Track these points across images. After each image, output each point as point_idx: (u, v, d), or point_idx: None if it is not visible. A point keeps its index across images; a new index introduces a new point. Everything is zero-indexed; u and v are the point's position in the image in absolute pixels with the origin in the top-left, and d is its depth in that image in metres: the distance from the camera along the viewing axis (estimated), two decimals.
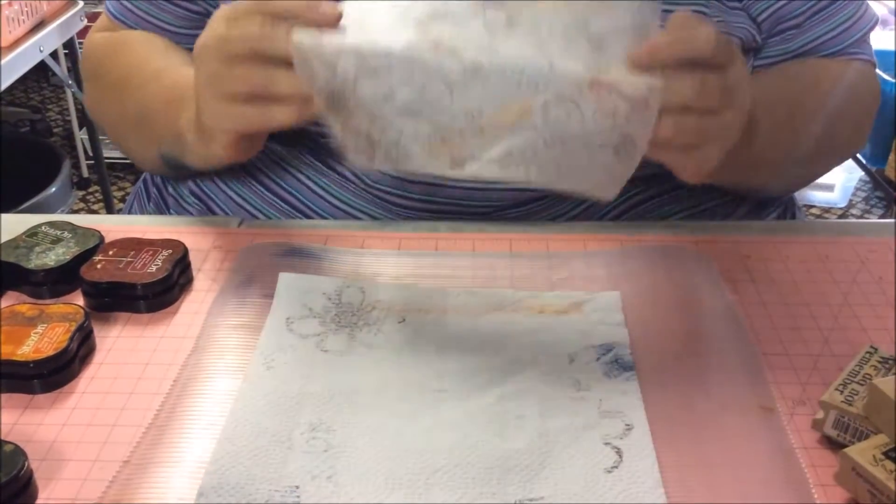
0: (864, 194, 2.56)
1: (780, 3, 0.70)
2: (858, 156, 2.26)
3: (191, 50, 0.73)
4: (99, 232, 0.65)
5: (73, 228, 0.65)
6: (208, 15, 0.70)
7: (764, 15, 0.70)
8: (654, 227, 0.70)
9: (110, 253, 0.61)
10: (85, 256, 0.62)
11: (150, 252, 0.62)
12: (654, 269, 0.63)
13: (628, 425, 0.49)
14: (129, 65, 0.75)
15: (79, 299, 0.60)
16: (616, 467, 0.47)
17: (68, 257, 0.62)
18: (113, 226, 0.68)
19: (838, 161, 0.81)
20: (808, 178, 0.81)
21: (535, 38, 0.52)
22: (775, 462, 0.48)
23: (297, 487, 0.46)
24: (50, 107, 3.07)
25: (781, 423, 0.50)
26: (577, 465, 0.47)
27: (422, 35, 0.51)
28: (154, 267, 0.60)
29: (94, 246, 0.63)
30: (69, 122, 2.62)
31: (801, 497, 0.46)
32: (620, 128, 0.51)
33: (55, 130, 2.89)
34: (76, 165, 2.55)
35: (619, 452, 0.48)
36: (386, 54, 0.51)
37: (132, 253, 0.61)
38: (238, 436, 0.49)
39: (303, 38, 0.53)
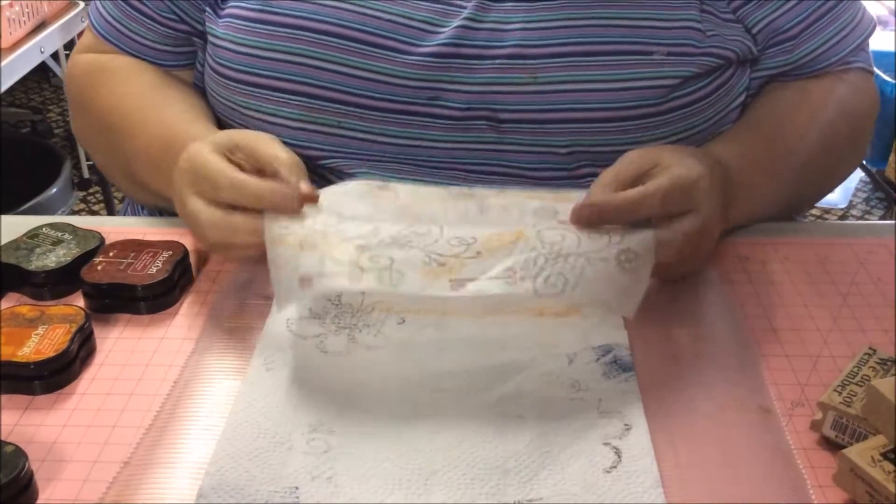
0: (864, 195, 2.56)
1: (775, 15, 0.69)
2: None
3: (175, 67, 0.74)
4: (100, 233, 0.65)
5: (73, 230, 0.65)
6: (195, 34, 0.72)
7: (759, 27, 0.69)
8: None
9: (111, 254, 0.62)
10: (85, 258, 0.62)
11: (151, 253, 0.62)
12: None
13: (627, 425, 0.50)
14: (113, 108, 0.72)
15: (79, 301, 0.60)
16: (615, 467, 0.47)
17: (69, 259, 0.62)
18: (114, 227, 0.68)
19: (845, 175, 0.80)
20: (819, 197, 0.81)
21: (501, 217, 0.57)
22: (774, 463, 0.48)
23: (297, 488, 0.46)
24: (51, 107, 3.07)
25: (780, 424, 0.50)
26: (576, 465, 0.47)
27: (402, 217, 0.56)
28: (154, 268, 0.60)
29: (95, 247, 0.63)
30: (69, 122, 2.62)
31: (800, 498, 0.46)
32: (617, 244, 0.52)
33: (56, 131, 2.89)
34: (77, 166, 2.54)
35: (618, 452, 0.48)
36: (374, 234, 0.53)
37: (132, 254, 0.62)
38: (238, 437, 0.49)
39: (273, 228, 0.54)
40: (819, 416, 0.50)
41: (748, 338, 0.57)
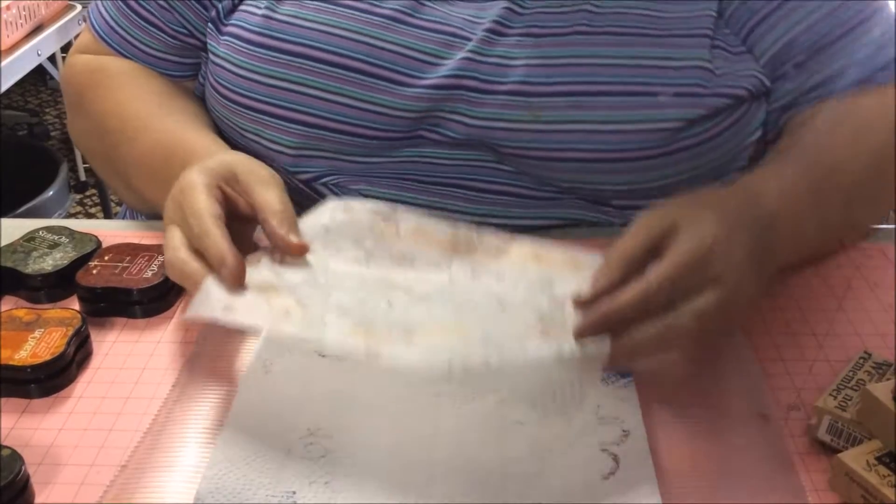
0: None
1: (783, 41, 0.66)
2: None
3: (179, 77, 0.73)
4: (96, 237, 0.65)
5: (70, 233, 0.65)
6: (202, 48, 0.70)
7: (765, 58, 0.67)
8: None
9: (106, 258, 0.62)
10: (82, 261, 0.62)
11: (146, 257, 0.62)
12: None
13: (625, 431, 0.50)
14: (113, 111, 0.71)
15: (76, 304, 0.60)
16: (613, 473, 0.47)
17: (65, 262, 0.62)
18: (110, 231, 0.68)
19: None
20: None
21: (497, 288, 0.54)
22: (772, 469, 0.48)
23: (294, 493, 0.46)
24: (47, 110, 3.06)
25: (779, 430, 0.50)
26: (574, 471, 0.47)
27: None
28: (150, 272, 0.60)
29: (91, 251, 0.63)
30: (66, 125, 2.62)
31: (796, 499, 0.46)
32: (568, 353, 0.50)
33: (52, 134, 2.89)
34: (73, 169, 2.54)
35: (615, 459, 0.48)
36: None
37: (128, 258, 0.62)
38: (235, 441, 0.49)
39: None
40: (814, 420, 0.50)
41: (746, 343, 0.57)
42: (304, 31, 0.65)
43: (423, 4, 0.66)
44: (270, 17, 0.66)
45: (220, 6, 0.69)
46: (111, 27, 0.73)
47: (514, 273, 0.56)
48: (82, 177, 2.59)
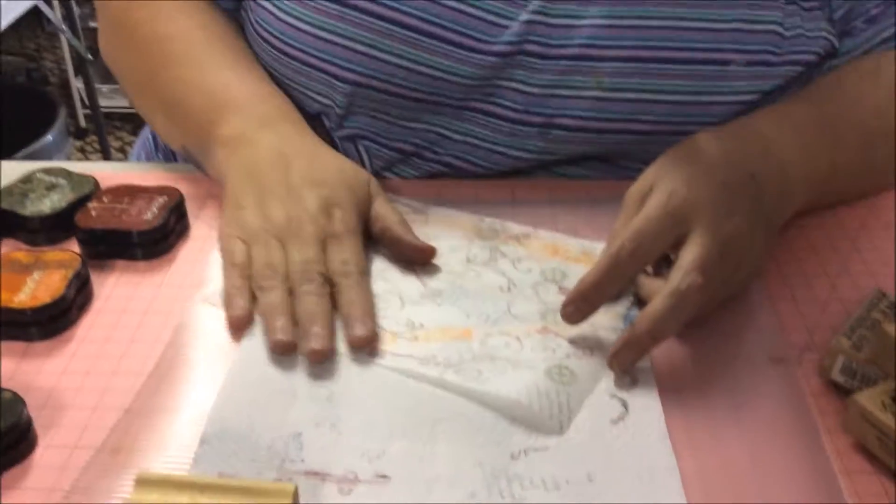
0: None
1: None
2: None
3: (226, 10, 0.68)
4: (94, 178, 0.63)
5: (67, 175, 0.64)
6: None
7: (841, 11, 0.63)
8: None
9: (105, 200, 0.60)
10: (80, 203, 0.61)
11: (146, 199, 0.60)
12: None
13: (634, 377, 0.49)
14: (161, 35, 0.66)
15: (75, 247, 0.59)
16: (622, 419, 0.46)
17: (63, 204, 0.60)
18: (109, 172, 0.66)
19: None
20: None
21: (508, 271, 0.56)
22: (785, 410, 0.47)
23: (300, 434, 0.45)
24: (45, 55, 3.02)
25: (792, 372, 0.50)
26: (583, 415, 0.47)
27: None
28: (150, 214, 0.59)
29: (90, 192, 0.62)
30: (65, 70, 2.59)
31: (811, 444, 0.45)
32: (557, 360, 0.50)
33: (51, 80, 2.85)
34: (73, 115, 2.52)
35: (624, 404, 0.47)
36: None
37: (127, 200, 0.60)
38: (240, 384, 0.48)
39: None
40: (828, 360, 0.49)
41: (758, 285, 0.56)
42: None
43: None
44: None
45: None
46: None
47: (530, 261, 0.57)
48: (82, 123, 2.56)
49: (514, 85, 0.61)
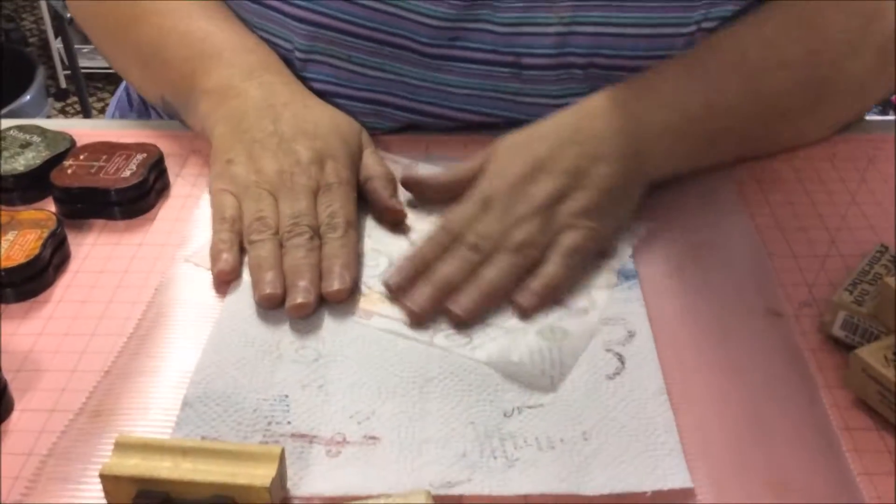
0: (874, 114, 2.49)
1: None
2: None
3: None
4: (70, 136, 0.61)
5: (42, 132, 0.61)
6: None
7: None
8: None
9: (81, 157, 0.58)
10: (56, 161, 0.58)
11: (124, 156, 0.58)
12: None
13: (631, 332, 0.48)
14: None
15: (52, 206, 0.57)
16: (618, 374, 0.45)
17: (38, 161, 0.58)
18: (85, 130, 0.64)
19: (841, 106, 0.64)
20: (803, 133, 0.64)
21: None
22: (783, 365, 0.46)
23: (287, 396, 0.44)
24: (24, 16, 2.96)
25: (789, 326, 0.48)
26: (577, 371, 0.45)
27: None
28: (128, 171, 0.57)
29: (65, 150, 0.60)
30: (44, 31, 2.53)
31: (810, 399, 0.44)
32: (552, 322, 0.48)
33: (30, 40, 2.79)
34: (53, 76, 2.47)
35: (621, 359, 0.46)
36: None
37: (104, 157, 0.58)
38: (224, 345, 0.47)
39: None
40: (828, 316, 0.48)
41: (756, 239, 0.55)
42: None
43: None
44: None
45: None
46: None
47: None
48: (62, 84, 2.52)
49: (480, 25, 0.59)
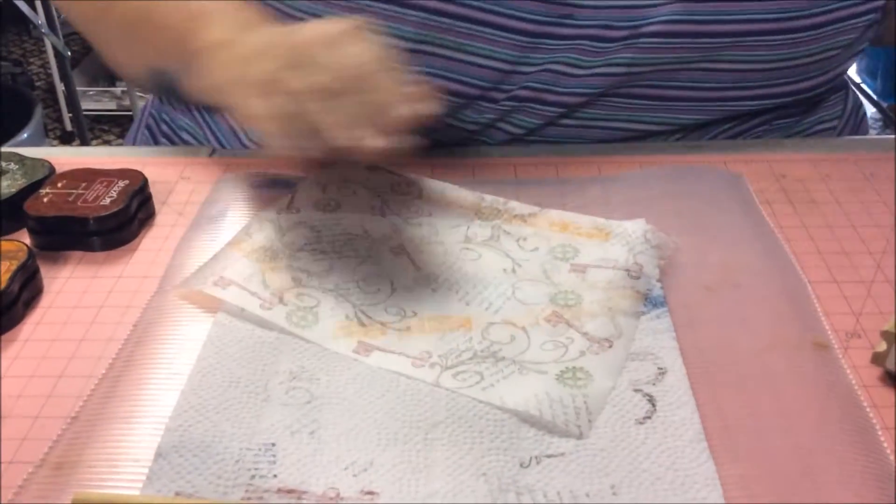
0: (874, 132, 2.47)
1: None
2: (868, 90, 2.16)
3: None
4: (49, 163, 0.57)
5: (20, 159, 0.57)
6: None
7: None
8: (674, 146, 0.63)
9: (59, 185, 0.54)
10: (32, 189, 0.54)
11: (105, 183, 0.54)
12: (681, 192, 0.56)
13: (661, 369, 0.42)
14: None
15: (27, 238, 0.52)
16: (649, 417, 0.40)
17: (13, 190, 0.54)
18: (68, 158, 0.60)
19: None
20: None
21: (513, 250, 0.50)
22: (833, 405, 0.41)
23: (274, 445, 0.39)
24: (31, 60, 2.96)
25: (837, 360, 0.43)
26: (603, 415, 0.40)
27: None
28: (108, 199, 0.52)
29: (43, 178, 0.55)
30: (51, 75, 2.53)
31: (867, 443, 0.39)
32: (573, 360, 0.43)
33: (37, 84, 2.80)
34: (59, 119, 2.46)
35: (651, 401, 0.41)
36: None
37: (83, 185, 0.54)
38: (205, 386, 0.42)
39: None
40: (882, 347, 0.42)
41: (793, 264, 0.50)
42: None
43: None
44: None
45: None
46: None
47: (537, 239, 0.51)
48: (68, 126, 2.50)
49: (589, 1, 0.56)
